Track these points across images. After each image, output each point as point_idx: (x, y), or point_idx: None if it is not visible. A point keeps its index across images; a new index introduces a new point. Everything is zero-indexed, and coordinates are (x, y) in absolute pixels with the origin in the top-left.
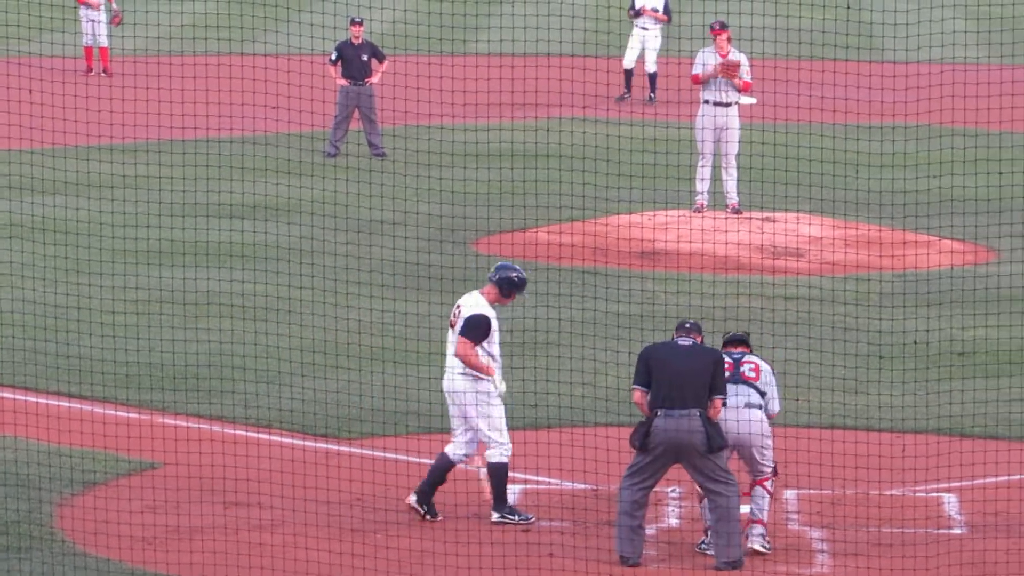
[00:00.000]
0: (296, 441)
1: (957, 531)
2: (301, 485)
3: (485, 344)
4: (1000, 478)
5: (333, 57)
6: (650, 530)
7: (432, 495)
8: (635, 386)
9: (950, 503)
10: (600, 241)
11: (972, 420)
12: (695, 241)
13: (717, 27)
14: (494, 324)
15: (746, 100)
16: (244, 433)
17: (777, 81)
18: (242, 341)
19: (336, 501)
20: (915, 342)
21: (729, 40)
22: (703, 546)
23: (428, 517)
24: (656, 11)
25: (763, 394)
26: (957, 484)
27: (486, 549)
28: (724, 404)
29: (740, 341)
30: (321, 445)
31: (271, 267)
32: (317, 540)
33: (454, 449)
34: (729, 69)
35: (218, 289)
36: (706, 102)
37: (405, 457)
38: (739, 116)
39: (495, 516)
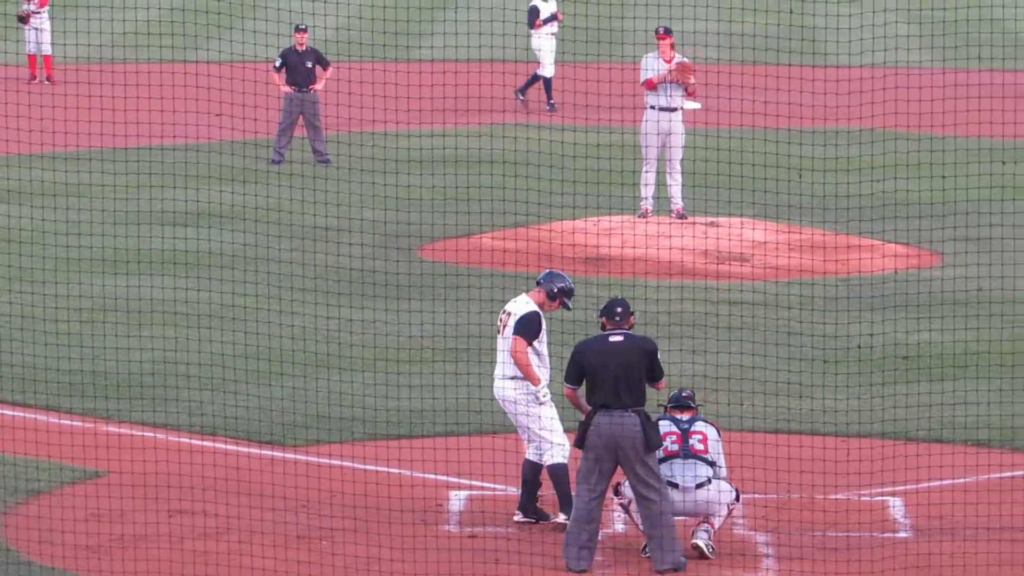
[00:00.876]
0: (241, 448)
1: (902, 535)
2: (246, 492)
3: (535, 343)
4: (945, 481)
5: (277, 64)
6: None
7: (534, 503)
8: (566, 384)
9: (895, 507)
10: (545, 247)
11: (917, 424)
12: (639, 246)
13: (662, 31)
14: (544, 324)
15: (691, 105)
16: (188, 441)
17: (721, 86)
18: (186, 349)
19: (281, 508)
20: (859, 346)
21: (672, 47)
22: (648, 551)
23: (542, 520)
24: (560, 14)
25: (712, 463)
26: (902, 488)
27: (432, 555)
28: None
29: (686, 405)
30: (266, 452)
31: (215, 274)
32: (262, 547)
33: (533, 454)
34: (683, 72)
35: (162, 297)
36: (651, 107)
37: (351, 464)
38: (683, 121)
39: (561, 518)
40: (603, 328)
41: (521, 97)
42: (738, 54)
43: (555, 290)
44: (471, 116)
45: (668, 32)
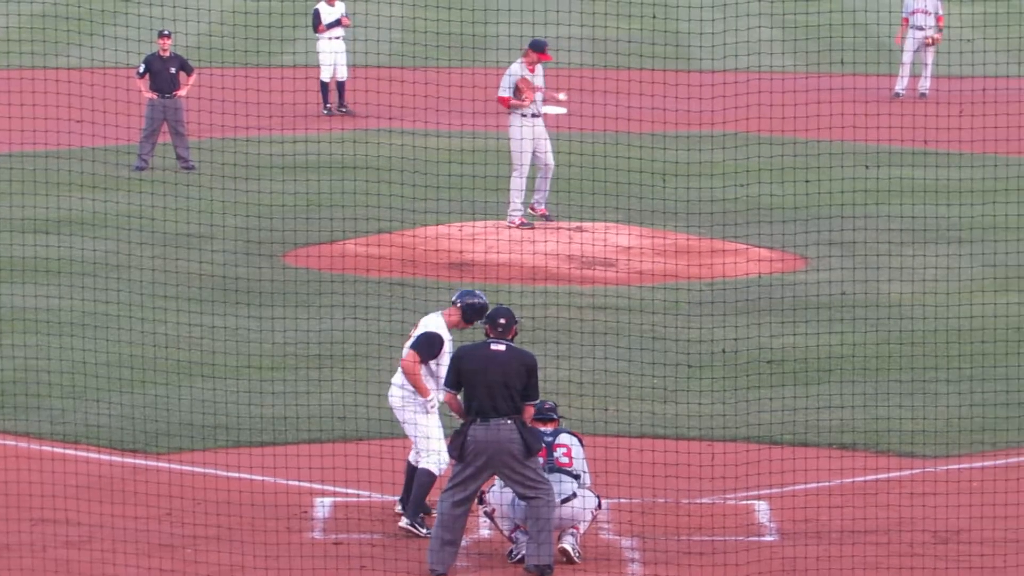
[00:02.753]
0: (104, 456)
1: (768, 538)
2: (110, 501)
3: (432, 364)
4: (810, 485)
5: (141, 70)
6: (462, 542)
7: (422, 507)
8: (445, 389)
9: (761, 510)
10: (409, 253)
11: (782, 428)
12: (504, 251)
13: (548, 52)
14: (447, 346)
15: (556, 110)
16: (51, 449)
17: (584, 91)
18: (48, 357)
19: (145, 516)
20: (724, 351)
21: (539, 62)
22: (514, 555)
23: (424, 530)
24: (348, 17)
25: (577, 476)
26: (768, 491)
27: (297, 563)
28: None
29: (549, 418)
30: (129, 460)
31: (77, 282)
32: (126, 556)
33: (414, 456)
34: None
35: (23, 304)
36: (523, 114)
37: (214, 471)
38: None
39: (404, 522)
40: (486, 335)
41: (343, 110)
42: (602, 59)
43: (468, 311)
44: (334, 122)
45: (538, 49)
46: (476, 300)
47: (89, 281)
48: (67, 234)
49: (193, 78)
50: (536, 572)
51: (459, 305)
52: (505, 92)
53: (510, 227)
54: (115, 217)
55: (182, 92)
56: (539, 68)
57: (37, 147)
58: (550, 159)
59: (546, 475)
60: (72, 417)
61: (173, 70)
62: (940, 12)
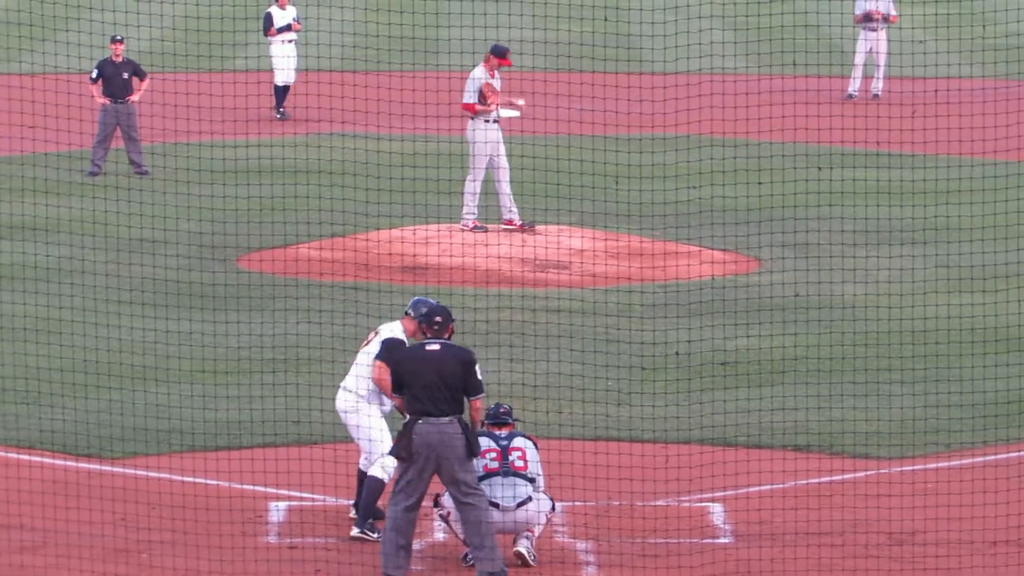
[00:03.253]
0: (58, 461)
1: (723, 540)
2: (64, 506)
3: None
4: (764, 487)
5: (94, 75)
6: (417, 545)
7: (372, 513)
8: (394, 395)
9: (715, 512)
10: (362, 256)
11: (736, 429)
12: (457, 255)
13: (509, 58)
14: None
15: (509, 113)
16: (4, 454)
17: (536, 94)
18: (1, 362)
19: (100, 521)
20: (678, 353)
21: (499, 67)
22: (468, 559)
23: (375, 535)
24: (298, 21)
25: (532, 480)
26: (722, 493)
27: (251, 567)
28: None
29: (504, 421)
30: (84, 465)
31: (30, 287)
32: (80, 561)
33: (364, 462)
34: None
35: None
36: (485, 119)
37: (169, 476)
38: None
39: (355, 531)
40: (424, 335)
41: (279, 115)
42: (554, 62)
43: (422, 320)
44: (287, 126)
45: (499, 54)
46: (425, 308)
47: (43, 286)
48: (20, 240)
49: (146, 83)
50: None
51: (412, 314)
52: (471, 98)
53: (463, 230)
54: (68, 222)
55: (135, 97)
56: (496, 72)
57: None
58: (504, 162)
59: (501, 479)
60: (26, 422)
61: (126, 75)
62: (893, 13)
